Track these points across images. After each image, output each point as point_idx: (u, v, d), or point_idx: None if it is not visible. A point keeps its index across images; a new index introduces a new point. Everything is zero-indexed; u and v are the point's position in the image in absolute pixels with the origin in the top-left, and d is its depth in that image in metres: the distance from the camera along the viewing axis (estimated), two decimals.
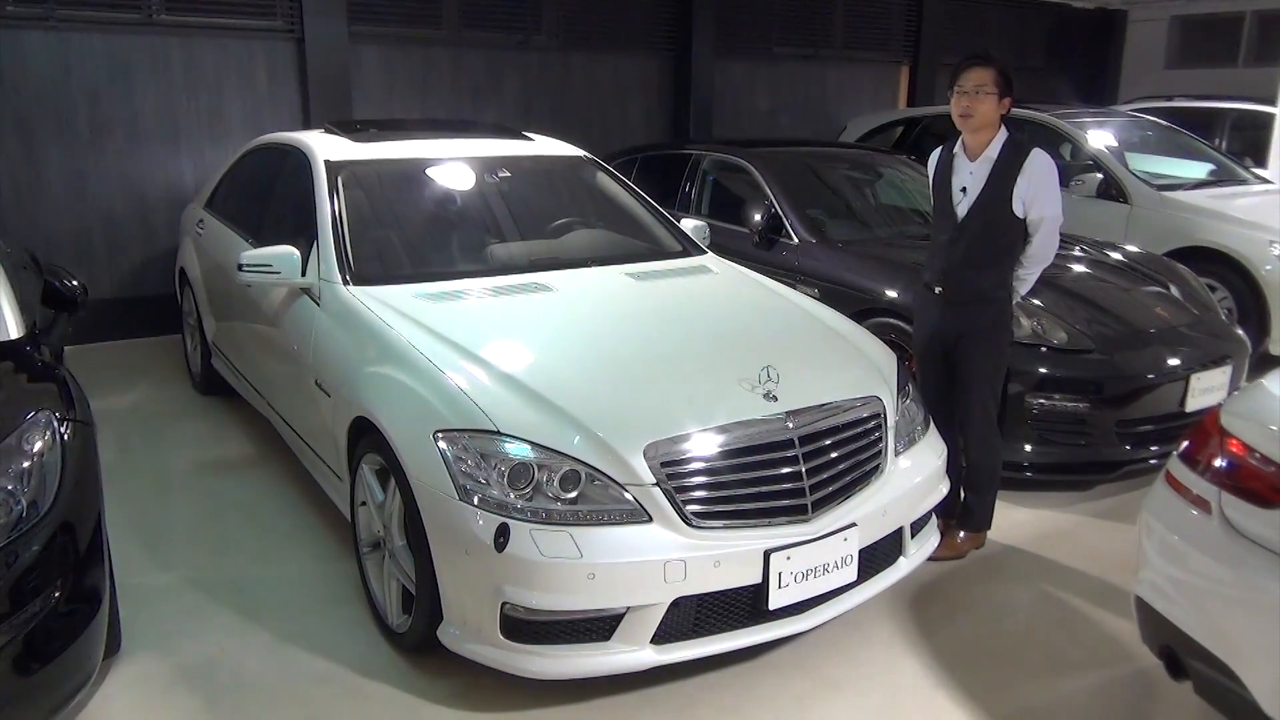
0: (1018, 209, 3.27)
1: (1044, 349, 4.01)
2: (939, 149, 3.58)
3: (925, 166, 5.92)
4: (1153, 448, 4.10)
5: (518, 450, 2.54)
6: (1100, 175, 6.36)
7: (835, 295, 4.51)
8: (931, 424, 3.29)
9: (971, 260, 3.37)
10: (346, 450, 3.10)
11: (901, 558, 3.02)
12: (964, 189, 3.38)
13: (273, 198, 4.36)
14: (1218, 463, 2.25)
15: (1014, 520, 3.90)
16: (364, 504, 3.03)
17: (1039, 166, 3.26)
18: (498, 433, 2.56)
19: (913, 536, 3.04)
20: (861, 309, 4.44)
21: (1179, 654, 2.29)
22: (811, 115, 9.28)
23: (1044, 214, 3.28)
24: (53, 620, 2.30)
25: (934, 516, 3.21)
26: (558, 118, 7.65)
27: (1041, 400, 4.00)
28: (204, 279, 4.93)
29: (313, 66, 6.52)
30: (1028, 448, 4.05)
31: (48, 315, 3.43)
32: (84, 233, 6.15)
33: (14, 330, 2.96)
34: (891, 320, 4.35)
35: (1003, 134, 3.31)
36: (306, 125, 6.42)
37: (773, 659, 2.90)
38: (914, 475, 3.00)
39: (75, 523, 2.46)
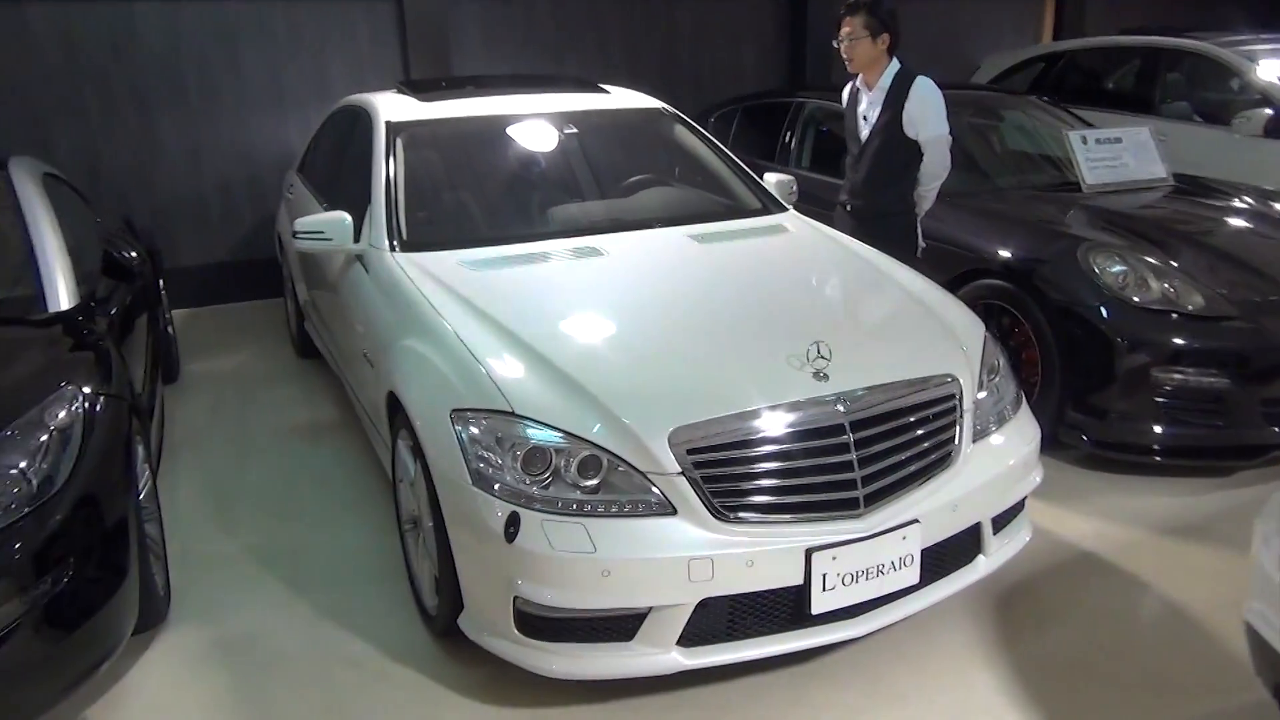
0: (909, 131, 3.73)
1: (1175, 315, 3.49)
2: (850, 82, 4.01)
3: (1060, 109, 5.39)
4: None
5: (535, 433, 2.35)
6: (1270, 111, 5.55)
7: (940, 255, 4.10)
8: (1024, 404, 2.90)
9: (872, 179, 3.88)
10: (387, 425, 3.00)
11: (980, 556, 2.67)
12: (865, 116, 3.89)
13: (345, 161, 4.29)
14: None
15: (1136, 511, 3.44)
16: (402, 480, 2.93)
17: (922, 92, 3.72)
18: (513, 414, 2.38)
19: (995, 533, 2.69)
20: (967, 270, 4.02)
21: None
22: (941, 54, 8.53)
23: (930, 134, 3.73)
24: (72, 593, 2.29)
25: (1024, 509, 2.84)
26: (664, 67, 7.33)
27: (1173, 374, 3.50)
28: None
29: (411, 25, 6.44)
30: (1156, 429, 3.56)
31: (110, 285, 3.47)
32: (199, 199, 6.34)
33: (65, 300, 3.00)
34: (1000, 283, 3.91)
35: (894, 65, 3.77)
36: None
37: (826, 664, 2.62)
38: (996, 464, 2.64)
39: (100, 496, 2.45)
